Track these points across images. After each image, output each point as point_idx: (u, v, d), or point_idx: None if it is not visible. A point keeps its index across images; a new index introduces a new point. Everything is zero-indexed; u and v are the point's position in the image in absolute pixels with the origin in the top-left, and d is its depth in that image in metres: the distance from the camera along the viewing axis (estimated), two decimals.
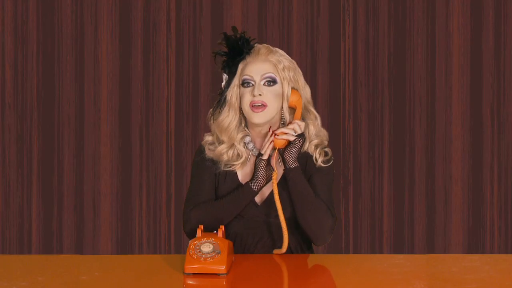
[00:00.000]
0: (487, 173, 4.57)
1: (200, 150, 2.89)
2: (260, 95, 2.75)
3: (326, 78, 4.56)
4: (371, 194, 4.58)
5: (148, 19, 4.57)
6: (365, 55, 4.57)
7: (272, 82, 2.78)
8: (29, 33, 4.55)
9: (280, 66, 2.79)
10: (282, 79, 2.79)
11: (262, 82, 2.78)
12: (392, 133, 4.58)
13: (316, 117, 2.86)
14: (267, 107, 2.77)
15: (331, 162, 2.83)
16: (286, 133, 2.77)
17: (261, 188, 2.78)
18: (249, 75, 2.78)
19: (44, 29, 4.56)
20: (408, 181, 4.57)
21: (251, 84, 2.78)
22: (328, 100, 4.56)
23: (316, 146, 2.84)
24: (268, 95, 2.77)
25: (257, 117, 2.77)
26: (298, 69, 2.86)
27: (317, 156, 2.83)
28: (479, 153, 4.57)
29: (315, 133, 2.85)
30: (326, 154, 2.84)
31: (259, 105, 2.76)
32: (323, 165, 2.82)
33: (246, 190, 2.78)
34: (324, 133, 2.89)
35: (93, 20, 4.56)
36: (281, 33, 4.55)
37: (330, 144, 2.93)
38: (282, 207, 2.75)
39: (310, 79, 4.55)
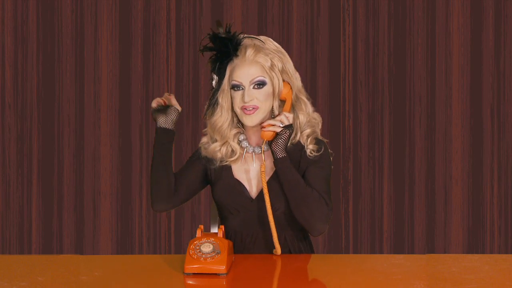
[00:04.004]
0: (487, 173, 4.57)
1: (198, 152, 2.93)
2: (251, 100, 2.77)
3: (326, 78, 4.56)
4: (371, 194, 4.58)
5: (148, 19, 4.57)
6: (365, 55, 4.57)
7: (261, 84, 2.79)
8: (29, 33, 4.55)
9: (268, 65, 2.79)
10: (271, 78, 2.79)
11: (252, 86, 2.79)
12: (392, 133, 4.57)
13: (306, 104, 2.86)
14: (258, 108, 2.79)
15: (322, 151, 2.82)
16: (273, 125, 2.78)
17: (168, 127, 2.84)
18: (238, 81, 2.79)
19: (44, 29, 4.56)
20: (408, 181, 4.57)
21: (241, 88, 2.79)
22: (328, 100, 4.56)
23: (308, 136, 2.84)
24: (259, 97, 2.79)
25: (249, 120, 2.79)
26: (286, 56, 2.84)
27: (308, 145, 2.83)
28: (479, 153, 4.57)
29: (306, 122, 2.85)
30: (317, 142, 2.84)
31: (250, 109, 2.78)
32: (312, 154, 2.82)
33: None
34: (316, 118, 2.89)
35: (93, 20, 4.56)
36: (281, 33, 4.54)
37: (330, 144, 2.92)
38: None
39: (310, 79, 4.55)
